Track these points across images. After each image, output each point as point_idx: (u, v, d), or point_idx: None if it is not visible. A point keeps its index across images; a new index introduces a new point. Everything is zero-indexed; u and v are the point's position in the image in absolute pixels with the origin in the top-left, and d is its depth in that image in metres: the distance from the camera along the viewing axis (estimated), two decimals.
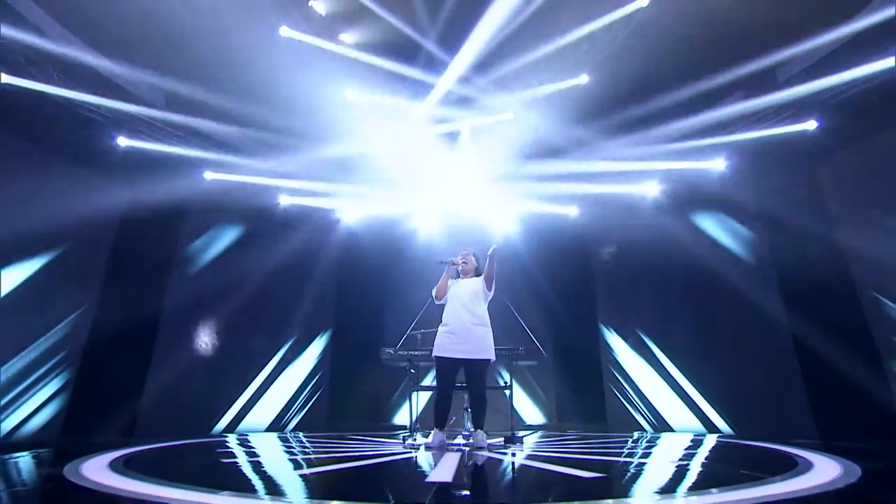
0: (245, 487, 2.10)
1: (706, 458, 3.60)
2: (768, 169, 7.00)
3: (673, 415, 7.21)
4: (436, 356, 4.02)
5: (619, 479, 2.52)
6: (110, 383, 6.08)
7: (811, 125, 6.77)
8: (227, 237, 7.54)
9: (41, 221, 5.64)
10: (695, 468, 3.03)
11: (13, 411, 5.30)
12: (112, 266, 6.29)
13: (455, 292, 4.13)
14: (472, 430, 4.10)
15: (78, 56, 6.19)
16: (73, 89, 6.17)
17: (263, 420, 7.44)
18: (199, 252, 7.19)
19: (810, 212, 6.51)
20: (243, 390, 7.32)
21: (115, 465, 2.60)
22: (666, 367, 7.41)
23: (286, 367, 7.75)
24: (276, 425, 7.48)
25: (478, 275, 4.26)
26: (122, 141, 6.44)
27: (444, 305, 4.14)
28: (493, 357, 4.08)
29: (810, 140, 6.77)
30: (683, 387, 7.23)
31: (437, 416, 4.02)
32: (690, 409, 7.11)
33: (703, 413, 6.98)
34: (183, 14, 5.99)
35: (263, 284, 7.45)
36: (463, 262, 4.23)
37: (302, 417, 7.71)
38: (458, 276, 4.28)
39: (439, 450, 3.81)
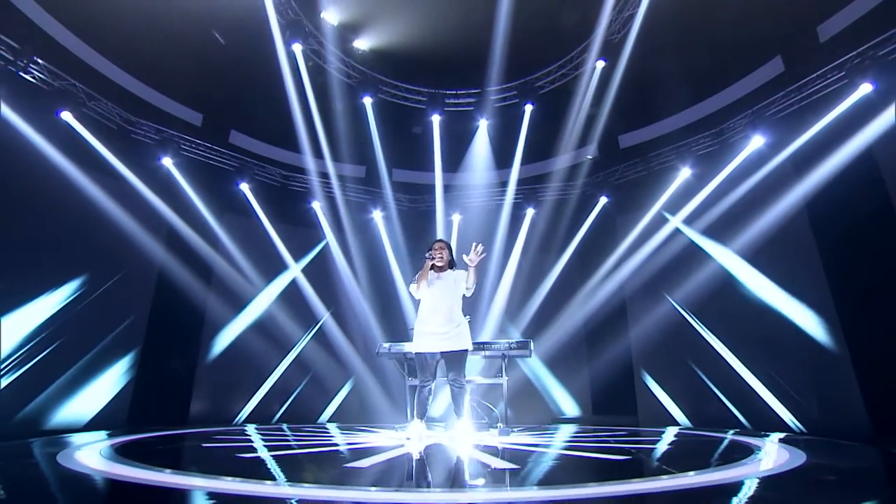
0: (188, 467, 2.39)
1: (647, 450, 3.42)
2: (813, 145, 6.24)
3: (707, 410, 6.74)
4: (416, 352, 4.11)
5: (534, 470, 2.52)
6: (166, 377, 6.92)
7: (866, 89, 5.93)
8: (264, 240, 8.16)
9: (105, 236, 6.51)
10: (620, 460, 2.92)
11: (79, 397, 6.16)
12: (162, 274, 7.08)
13: (435, 288, 4.14)
14: (456, 419, 4.18)
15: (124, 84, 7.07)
16: (128, 119, 7.06)
17: (297, 412, 7.96)
18: (237, 254, 7.86)
19: (864, 193, 5.70)
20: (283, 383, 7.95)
21: (105, 451, 3.01)
22: (701, 360, 6.94)
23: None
24: (310, 417, 8.04)
25: (451, 267, 4.29)
26: (167, 161, 7.19)
27: (419, 300, 4.19)
28: (470, 348, 4.12)
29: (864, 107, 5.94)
30: (721, 382, 6.74)
31: (419, 408, 4.14)
32: (732, 404, 6.61)
33: (739, 408, 6.47)
34: None
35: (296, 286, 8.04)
36: (439, 256, 4.23)
37: (334, 410, 8.18)
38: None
39: (419, 440, 3.95)
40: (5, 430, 5.07)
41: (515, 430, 5.10)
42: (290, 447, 3.85)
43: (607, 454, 3.26)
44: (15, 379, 5.44)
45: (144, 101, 7.20)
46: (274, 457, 3.13)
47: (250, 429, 6.01)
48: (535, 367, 8.29)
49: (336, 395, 8.20)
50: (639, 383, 7.47)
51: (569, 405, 8.14)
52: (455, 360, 4.05)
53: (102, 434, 4.84)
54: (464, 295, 4.16)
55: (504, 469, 2.50)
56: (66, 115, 6.41)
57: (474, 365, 6.62)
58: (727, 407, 6.59)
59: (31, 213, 5.79)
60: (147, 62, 7.04)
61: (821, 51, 6.25)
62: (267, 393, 7.76)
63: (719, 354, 6.78)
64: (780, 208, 6.41)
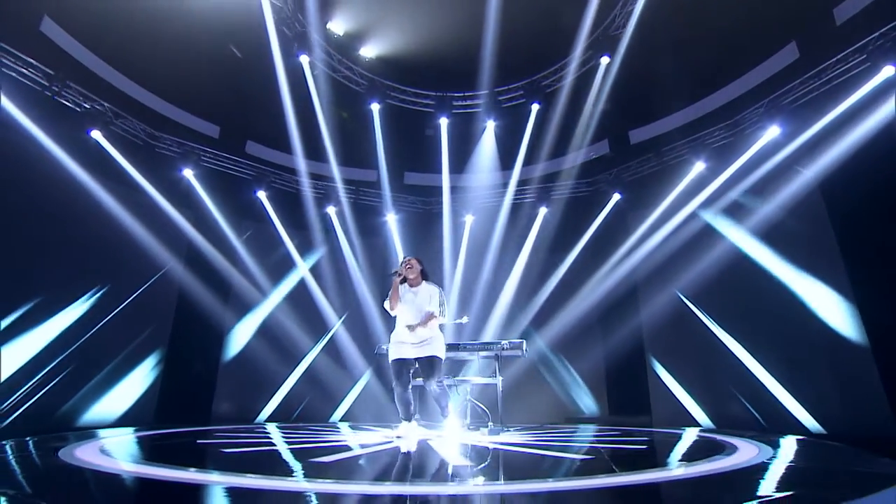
0: (177, 462, 2.58)
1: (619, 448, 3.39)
2: (830, 135, 5.94)
3: (729, 411, 6.52)
4: (392, 360, 4.23)
5: (488, 466, 2.59)
6: (189, 378, 7.32)
7: (888, 71, 5.61)
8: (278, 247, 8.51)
9: (130, 246, 6.96)
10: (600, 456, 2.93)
11: (109, 397, 6.62)
12: (184, 281, 7.51)
13: (409, 301, 4.25)
14: (442, 420, 4.28)
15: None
16: (152, 134, 7.51)
17: (313, 411, 8.21)
18: (255, 260, 8.21)
19: (883, 174, 5.39)
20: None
21: (105, 447, 3.26)
22: (716, 359, 6.72)
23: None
24: (325, 415, 8.28)
25: (425, 278, 4.39)
26: (188, 173, 7.60)
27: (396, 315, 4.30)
28: (443, 356, 4.22)
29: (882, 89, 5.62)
30: (740, 381, 6.51)
31: (403, 410, 4.23)
32: (751, 404, 6.37)
33: (757, 408, 6.23)
34: None
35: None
36: (408, 268, 4.30)
37: (347, 409, 8.39)
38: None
39: (408, 439, 4.07)
40: (46, 426, 5.54)
41: (510, 429, 5.12)
42: (276, 444, 4.04)
43: (576, 454, 3.28)
44: (54, 380, 5.93)
45: (166, 116, 7.64)
46: (253, 453, 3.32)
47: (257, 427, 6.30)
48: (547, 362, 8.26)
49: (347, 394, 8.43)
50: (655, 381, 7.32)
51: (585, 403, 8.04)
52: (429, 366, 4.17)
53: (129, 430, 5.24)
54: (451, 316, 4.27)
55: (455, 465, 2.58)
56: (96, 134, 6.87)
57: (470, 365, 6.68)
58: (748, 408, 6.38)
59: (63, 226, 6.25)
60: (167, 80, 7.47)
61: (838, 34, 5.95)
62: (288, 393, 8.08)
63: (732, 353, 6.57)
64: (796, 193, 6.19)
